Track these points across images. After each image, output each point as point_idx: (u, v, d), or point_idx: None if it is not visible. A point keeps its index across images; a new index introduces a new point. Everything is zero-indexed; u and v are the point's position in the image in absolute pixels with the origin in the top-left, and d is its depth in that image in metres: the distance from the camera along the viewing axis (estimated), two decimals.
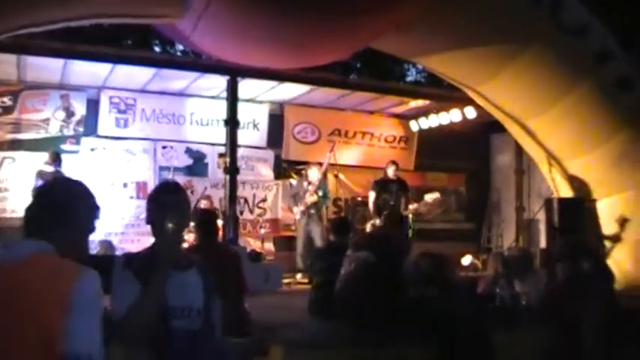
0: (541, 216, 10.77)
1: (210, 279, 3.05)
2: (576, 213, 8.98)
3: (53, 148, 11.68)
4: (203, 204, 11.28)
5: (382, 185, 11.47)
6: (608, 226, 9.00)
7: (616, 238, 8.75)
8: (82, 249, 2.52)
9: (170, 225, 2.89)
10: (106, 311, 2.74)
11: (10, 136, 11.58)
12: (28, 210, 2.48)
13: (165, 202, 3.01)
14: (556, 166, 9.40)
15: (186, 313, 2.89)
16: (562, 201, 9.31)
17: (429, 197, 11.57)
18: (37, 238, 2.37)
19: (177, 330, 2.86)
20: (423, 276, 5.49)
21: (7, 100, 11.50)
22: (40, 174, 10.48)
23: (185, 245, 9.83)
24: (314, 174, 11.43)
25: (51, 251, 2.32)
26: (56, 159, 10.67)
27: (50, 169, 10.49)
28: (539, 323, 4.67)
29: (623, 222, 8.58)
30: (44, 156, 11.37)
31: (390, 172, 11.58)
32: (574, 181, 9.14)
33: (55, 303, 2.15)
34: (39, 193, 2.60)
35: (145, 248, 3.10)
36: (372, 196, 11.50)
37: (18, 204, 11.08)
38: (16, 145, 11.62)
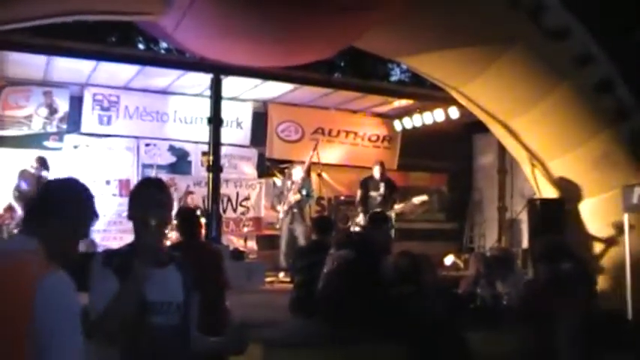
0: (523, 216, 10.83)
1: (189, 275, 3.06)
2: (558, 214, 9.03)
3: (36, 144, 11.67)
4: (189, 199, 11.28)
5: (369, 184, 11.48)
6: (592, 227, 9.05)
7: (610, 242, 8.72)
8: (68, 250, 2.51)
9: (151, 221, 2.90)
10: (84, 308, 2.75)
11: None
12: (26, 206, 2.56)
13: (145, 198, 3.01)
14: (538, 166, 9.45)
15: (165, 308, 2.89)
16: (544, 201, 9.37)
17: (417, 199, 11.60)
18: (27, 235, 2.38)
19: (156, 325, 2.86)
20: (400, 274, 5.53)
21: None
22: (23, 174, 10.43)
23: (167, 243, 9.84)
24: (297, 173, 11.45)
25: (34, 250, 2.30)
26: (43, 164, 10.63)
27: (33, 171, 10.45)
28: (518, 323, 4.71)
29: (620, 227, 8.49)
30: (27, 153, 11.36)
31: (376, 171, 11.59)
32: (561, 182, 9.17)
33: (18, 302, 2.14)
34: (41, 190, 2.60)
35: (125, 245, 3.10)
36: (359, 194, 11.51)
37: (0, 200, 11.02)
38: None
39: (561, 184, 9.11)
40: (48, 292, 2.18)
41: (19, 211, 10.10)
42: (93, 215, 2.59)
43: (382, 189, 11.37)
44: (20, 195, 10.24)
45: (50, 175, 10.49)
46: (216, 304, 5.73)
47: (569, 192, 9.04)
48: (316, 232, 7.84)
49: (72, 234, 2.52)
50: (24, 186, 10.34)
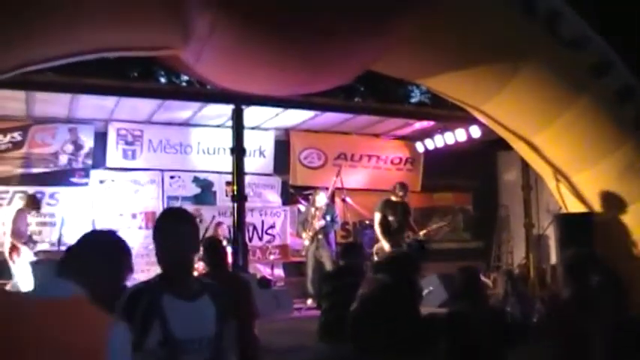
0: (550, 232, 10.74)
1: (224, 304, 2.99)
2: (585, 227, 8.95)
3: (63, 181, 11.84)
4: (219, 230, 11.35)
5: (387, 209, 11.45)
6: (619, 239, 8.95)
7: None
8: (114, 297, 2.63)
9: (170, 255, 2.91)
10: None
11: (19, 171, 11.73)
12: (68, 253, 2.56)
13: (165, 230, 2.98)
14: (563, 181, 9.38)
15: (196, 345, 2.82)
16: (570, 216, 9.30)
17: (436, 225, 11.64)
18: (71, 280, 2.41)
19: None
20: (458, 291, 5.52)
21: (16, 135, 11.65)
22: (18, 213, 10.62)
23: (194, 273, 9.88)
24: (321, 199, 11.48)
25: (84, 296, 2.36)
26: (33, 204, 10.85)
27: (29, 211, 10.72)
28: (547, 340, 4.67)
29: None
30: (54, 190, 11.53)
31: (397, 193, 11.56)
32: (596, 193, 9.06)
33: (86, 350, 2.19)
34: (82, 240, 2.65)
35: (153, 277, 3.02)
36: (377, 216, 11.48)
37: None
38: (26, 179, 11.73)
39: (596, 195, 9.00)
40: (117, 340, 2.26)
41: (22, 250, 10.31)
42: (128, 269, 2.68)
43: (398, 213, 11.35)
44: (19, 233, 10.43)
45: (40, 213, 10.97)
46: (245, 333, 5.75)
47: (604, 203, 8.94)
48: (343, 257, 7.87)
49: (115, 281, 2.60)
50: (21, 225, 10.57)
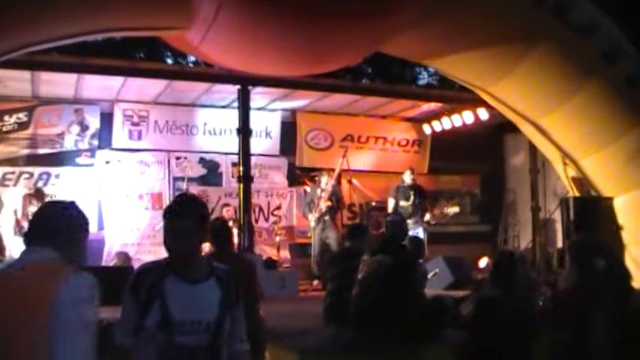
0: (557, 216, 10.70)
1: (230, 290, 3.00)
2: (591, 212, 8.92)
3: (68, 161, 11.84)
4: (225, 212, 11.33)
5: (399, 194, 11.44)
6: (625, 223, 8.92)
7: None
8: (80, 255, 2.84)
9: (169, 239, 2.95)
10: (114, 323, 2.99)
11: (25, 152, 11.73)
12: (33, 223, 2.84)
13: (171, 220, 2.99)
14: (571, 164, 9.34)
15: (194, 327, 2.84)
16: (577, 200, 9.26)
17: (451, 211, 11.60)
18: (39, 246, 2.68)
19: (182, 345, 2.81)
20: (494, 273, 5.46)
21: (22, 116, 11.63)
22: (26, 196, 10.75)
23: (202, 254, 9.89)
24: (328, 180, 11.45)
25: (55, 258, 2.64)
26: (38, 196, 10.86)
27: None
28: (553, 324, 4.64)
29: None
30: (60, 170, 11.54)
31: (407, 177, 11.57)
32: (597, 179, 9.03)
33: (37, 298, 2.46)
34: (42, 212, 2.94)
35: (162, 259, 3.05)
36: (391, 203, 11.47)
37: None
38: (32, 160, 11.73)
39: (603, 179, 8.97)
40: (67, 290, 2.49)
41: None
42: (85, 232, 2.93)
43: (412, 197, 11.33)
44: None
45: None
46: (251, 313, 5.74)
47: (612, 188, 8.91)
48: (348, 239, 7.84)
49: (77, 242, 2.84)
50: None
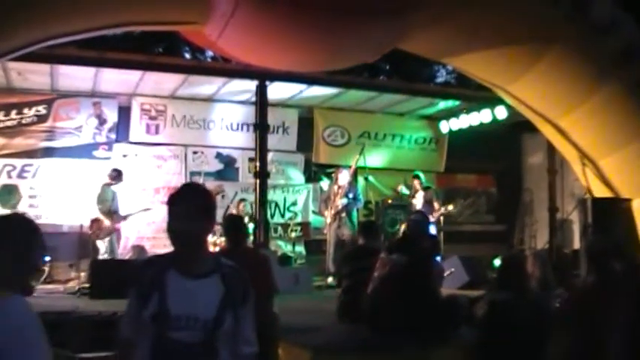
0: (575, 216, 10.62)
1: (236, 288, 2.86)
2: (610, 213, 8.84)
3: (86, 154, 11.90)
4: (240, 206, 11.35)
5: None
6: None
7: None
8: (20, 281, 2.62)
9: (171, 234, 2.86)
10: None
11: (44, 144, 11.80)
12: None
13: (172, 210, 2.88)
14: (589, 165, 9.26)
15: (190, 323, 2.74)
16: (596, 201, 9.18)
17: (449, 208, 11.71)
18: None
19: (175, 340, 2.73)
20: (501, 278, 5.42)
21: (41, 109, 11.72)
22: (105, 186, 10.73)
23: (216, 249, 9.92)
24: (344, 177, 11.44)
25: None
26: (117, 176, 10.85)
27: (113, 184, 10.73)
28: (569, 326, 4.59)
29: None
30: (77, 163, 11.60)
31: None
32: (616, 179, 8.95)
33: None
34: None
35: (168, 252, 2.94)
36: None
37: (50, 211, 11.28)
38: (49, 152, 11.81)
39: (622, 180, 8.89)
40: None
41: (106, 222, 10.41)
42: (41, 249, 2.69)
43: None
44: (103, 207, 10.49)
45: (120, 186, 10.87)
46: (265, 309, 5.75)
47: (624, 190, 8.83)
48: (362, 237, 7.83)
49: (21, 267, 2.60)
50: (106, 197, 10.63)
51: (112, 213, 10.46)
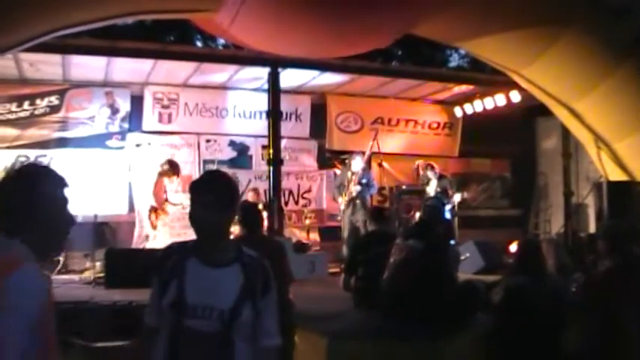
0: (590, 200, 10.56)
1: (256, 279, 2.82)
2: (626, 197, 8.77)
3: (99, 144, 11.93)
4: (250, 195, 11.35)
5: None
6: None
7: None
8: (51, 248, 2.52)
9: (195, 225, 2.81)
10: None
11: (57, 135, 11.82)
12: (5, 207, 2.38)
13: (194, 197, 2.85)
14: (604, 148, 9.19)
15: (206, 313, 2.71)
16: (611, 184, 9.12)
17: (457, 197, 11.70)
18: (8, 237, 2.32)
19: (192, 329, 2.71)
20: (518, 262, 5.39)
21: (53, 100, 11.73)
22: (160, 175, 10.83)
23: (231, 237, 9.92)
24: (358, 163, 11.40)
25: (17, 247, 2.28)
26: (173, 169, 10.90)
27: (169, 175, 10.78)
28: (587, 311, 4.56)
29: None
30: (90, 152, 11.63)
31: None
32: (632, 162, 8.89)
33: None
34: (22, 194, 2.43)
35: (190, 241, 2.92)
36: None
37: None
38: (63, 142, 11.83)
39: (631, 165, 8.82)
40: (17, 281, 2.18)
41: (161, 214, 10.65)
42: (70, 221, 2.52)
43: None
44: (157, 198, 10.65)
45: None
46: (281, 297, 5.74)
47: None
48: (373, 223, 7.84)
49: (50, 234, 2.45)
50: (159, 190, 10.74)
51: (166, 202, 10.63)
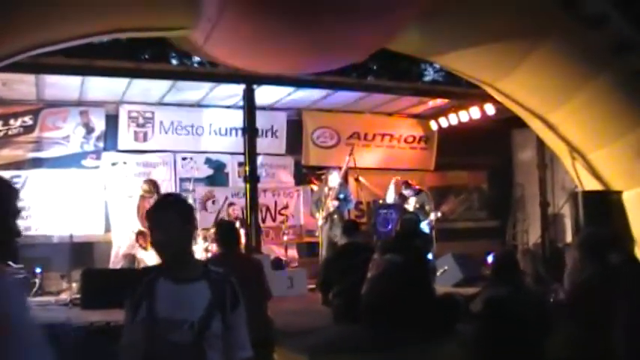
0: (566, 210, 10.63)
1: (223, 293, 2.96)
2: (602, 206, 8.84)
3: (74, 164, 11.83)
4: (230, 211, 11.31)
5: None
6: (635, 217, 8.84)
7: None
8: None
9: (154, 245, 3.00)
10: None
11: (31, 155, 11.72)
12: None
13: (152, 222, 3.05)
14: (579, 158, 9.27)
15: (178, 326, 2.86)
16: (587, 194, 9.19)
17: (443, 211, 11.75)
18: None
19: (167, 343, 2.84)
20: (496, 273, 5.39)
21: (27, 120, 11.63)
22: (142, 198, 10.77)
23: (207, 255, 9.87)
24: (334, 179, 11.42)
25: None
26: (154, 187, 10.82)
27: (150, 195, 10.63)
28: (566, 321, 4.58)
29: None
30: (65, 172, 11.51)
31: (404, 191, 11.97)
32: (606, 172, 8.97)
33: None
34: None
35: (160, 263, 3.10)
36: None
37: (40, 222, 11.17)
38: (37, 163, 11.73)
39: (612, 173, 8.89)
40: None
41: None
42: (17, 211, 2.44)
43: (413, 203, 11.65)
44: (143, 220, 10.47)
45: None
46: (259, 314, 5.71)
47: (614, 183, 8.84)
48: (345, 235, 7.91)
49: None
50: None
51: None
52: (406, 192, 12.02)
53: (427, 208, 11.70)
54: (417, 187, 12.18)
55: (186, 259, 3.04)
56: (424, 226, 11.00)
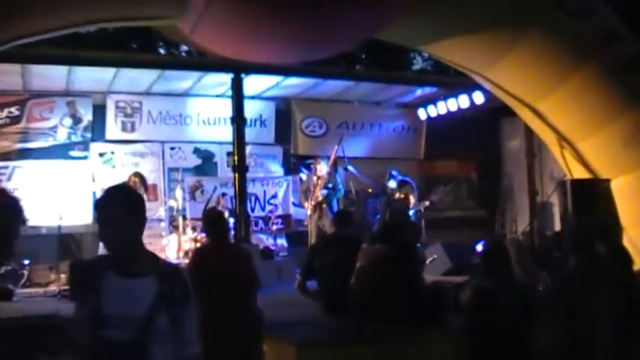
0: (554, 199, 10.65)
1: (170, 287, 2.90)
2: (590, 194, 8.86)
3: (62, 155, 11.75)
4: (222, 201, 11.28)
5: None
6: (623, 206, 8.87)
7: None
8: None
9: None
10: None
11: (18, 146, 11.62)
12: None
13: (99, 214, 2.96)
14: (567, 147, 9.28)
15: (123, 321, 2.78)
16: (575, 183, 9.20)
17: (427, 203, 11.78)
18: None
19: (108, 339, 2.78)
20: (486, 264, 5.40)
21: (13, 110, 11.53)
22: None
23: (197, 245, 9.84)
24: (323, 168, 11.40)
25: None
26: (142, 183, 10.77)
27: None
28: (554, 309, 4.59)
29: None
30: (53, 163, 11.44)
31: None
32: (594, 161, 8.99)
33: None
34: None
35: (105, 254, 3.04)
36: None
37: (28, 212, 11.07)
38: (24, 154, 11.64)
39: (601, 162, 8.91)
40: None
41: None
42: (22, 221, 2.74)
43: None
44: None
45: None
46: (248, 304, 5.70)
47: (603, 171, 8.86)
48: (335, 225, 7.88)
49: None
50: None
51: None
52: (390, 183, 12.01)
53: (411, 198, 11.69)
54: (401, 177, 12.16)
55: (135, 253, 2.95)
56: (412, 216, 11.02)
